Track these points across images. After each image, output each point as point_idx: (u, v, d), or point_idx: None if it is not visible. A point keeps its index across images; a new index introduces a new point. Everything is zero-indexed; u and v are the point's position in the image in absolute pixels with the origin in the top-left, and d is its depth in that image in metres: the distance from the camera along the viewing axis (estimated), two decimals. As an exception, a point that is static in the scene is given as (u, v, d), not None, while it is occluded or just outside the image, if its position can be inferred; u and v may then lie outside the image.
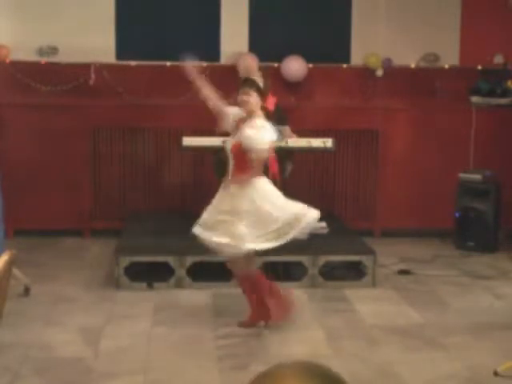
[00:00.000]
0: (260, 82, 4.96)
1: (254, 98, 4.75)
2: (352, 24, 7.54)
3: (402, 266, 6.36)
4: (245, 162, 4.68)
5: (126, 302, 5.41)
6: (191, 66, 4.85)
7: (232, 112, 4.84)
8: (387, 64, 7.46)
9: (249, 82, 4.84)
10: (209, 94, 4.83)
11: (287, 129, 6.02)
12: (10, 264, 3.15)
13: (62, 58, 7.21)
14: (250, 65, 6.36)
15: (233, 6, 7.42)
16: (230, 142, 4.80)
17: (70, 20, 7.23)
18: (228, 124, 4.85)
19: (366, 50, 7.48)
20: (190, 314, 5.15)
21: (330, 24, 7.53)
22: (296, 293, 5.64)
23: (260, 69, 6.18)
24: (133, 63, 7.32)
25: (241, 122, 4.79)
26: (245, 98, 4.74)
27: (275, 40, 7.39)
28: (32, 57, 7.22)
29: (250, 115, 4.75)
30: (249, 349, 4.57)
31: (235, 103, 4.88)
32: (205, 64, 7.28)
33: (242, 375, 4.18)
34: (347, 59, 7.58)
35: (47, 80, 7.21)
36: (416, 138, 7.40)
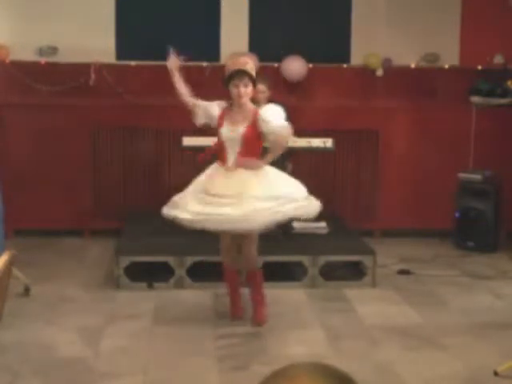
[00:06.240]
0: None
1: (250, 89, 4.84)
2: (352, 24, 7.53)
3: (402, 266, 6.36)
4: (255, 148, 4.84)
5: (126, 302, 5.41)
6: (173, 60, 4.93)
7: (207, 104, 4.91)
8: (387, 64, 7.46)
9: (245, 73, 4.84)
10: (182, 88, 4.94)
11: None
12: (10, 264, 3.15)
13: (62, 58, 7.21)
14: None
15: (233, 6, 7.42)
16: (234, 130, 4.81)
17: (70, 20, 7.23)
18: (205, 117, 4.91)
19: (366, 49, 7.48)
20: (190, 314, 5.15)
21: (330, 24, 7.53)
22: (296, 293, 5.66)
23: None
24: (133, 63, 7.32)
25: (229, 112, 4.85)
26: (242, 89, 4.79)
27: (275, 40, 7.38)
28: (32, 57, 7.22)
29: (241, 106, 4.82)
30: (249, 349, 4.57)
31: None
32: (205, 64, 7.30)
33: (242, 375, 4.18)
34: (347, 59, 7.59)
35: (47, 80, 7.20)
36: (416, 138, 7.40)
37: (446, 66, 7.56)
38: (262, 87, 6.08)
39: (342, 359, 4.34)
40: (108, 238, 6.84)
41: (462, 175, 7.12)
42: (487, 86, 7.40)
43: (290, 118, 6.21)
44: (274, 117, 4.79)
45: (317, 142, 6.17)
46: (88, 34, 7.22)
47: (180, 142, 6.33)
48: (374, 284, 5.83)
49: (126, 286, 5.66)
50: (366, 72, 7.52)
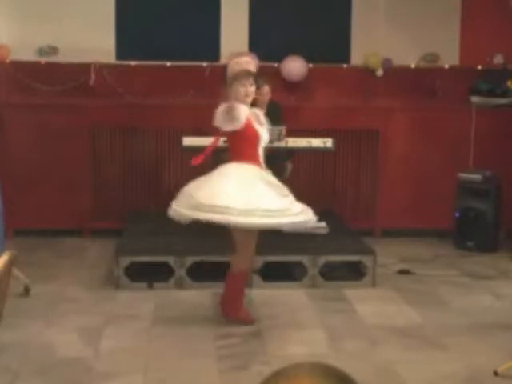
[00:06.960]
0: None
1: (254, 89, 4.84)
2: (352, 24, 7.54)
3: (402, 266, 6.36)
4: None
5: (126, 302, 5.40)
6: None
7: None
8: (387, 64, 7.47)
9: (251, 73, 4.86)
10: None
11: (282, 129, 6.02)
12: (10, 264, 3.15)
13: (62, 58, 7.22)
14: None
15: (233, 6, 7.42)
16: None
17: (70, 20, 7.24)
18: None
19: (366, 49, 7.48)
20: (190, 314, 5.15)
21: (330, 24, 7.54)
22: (296, 293, 5.66)
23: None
24: (133, 63, 7.33)
25: None
26: (249, 89, 4.81)
27: (275, 40, 7.38)
28: (32, 57, 7.22)
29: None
30: (249, 349, 4.57)
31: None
32: (205, 64, 7.30)
33: (242, 375, 4.18)
34: (347, 59, 7.59)
35: (47, 80, 7.21)
36: (416, 138, 7.40)
37: (446, 66, 7.56)
38: (266, 89, 6.11)
39: (342, 359, 4.34)
40: (108, 238, 6.84)
41: (462, 175, 7.11)
42: (487, 85, 7.40)
43: (285, 118, 6.22)
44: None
45: (317, 142, 6.17)
46: (88, 33, 7.22)
47: (180, 142, 6.33)
48: (373, 284, 5.83)
49: (126, 286, 5.66)
50: (366, 72, 7.53)
